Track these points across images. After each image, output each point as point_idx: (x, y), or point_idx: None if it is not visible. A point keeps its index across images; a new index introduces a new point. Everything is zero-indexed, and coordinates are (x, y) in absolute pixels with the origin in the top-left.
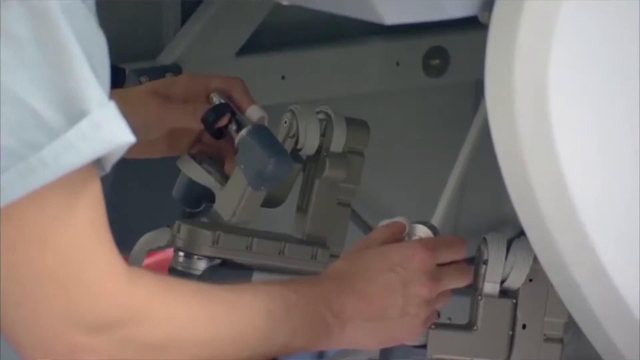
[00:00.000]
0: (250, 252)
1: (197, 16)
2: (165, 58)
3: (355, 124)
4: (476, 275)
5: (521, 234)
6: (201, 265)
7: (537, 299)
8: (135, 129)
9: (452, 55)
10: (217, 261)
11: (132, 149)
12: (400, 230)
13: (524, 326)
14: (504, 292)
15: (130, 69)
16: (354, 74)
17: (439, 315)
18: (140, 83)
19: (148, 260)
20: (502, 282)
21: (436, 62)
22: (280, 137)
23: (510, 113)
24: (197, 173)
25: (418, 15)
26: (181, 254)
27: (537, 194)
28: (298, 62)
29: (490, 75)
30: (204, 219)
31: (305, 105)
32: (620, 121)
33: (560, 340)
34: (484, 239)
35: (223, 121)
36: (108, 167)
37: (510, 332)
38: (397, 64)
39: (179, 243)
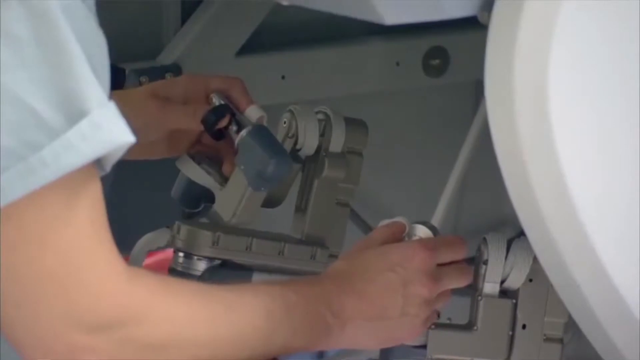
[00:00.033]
0: (249, 253)
1: (197, 16)
2: (165, 58)
3: (354, 124)
4: (476, 275)
5: (521, 234)
6: (201, 265)
7: (537, 299)
8: (135, 131)
9: (452, 55)
10: (217, 262)
11: (131, 150)
12: (400, 230)
13: (524, 326)
14: (504, 292)
15: (130, 69)
16: (354, 74)
17: (438, 315)
18: (140, 83)
19: (148, 261)
20: (502, 282)
21: (436, 62)
22: (279, 137)
23: (510, 113)
24: (197, 173)
25: (418, 15)
26: (181, 254)
27: (537, 194)
28: (298, 62)
29: (490, 75)
30: (204, 220)
31: (305, 105)
32: (620, 121)
33: (560, 340)
34: (484, 239)
35: (223, 122)
36: (108, 167)
37: (510, 332)
38: (397, 64)
39: (179, 244)
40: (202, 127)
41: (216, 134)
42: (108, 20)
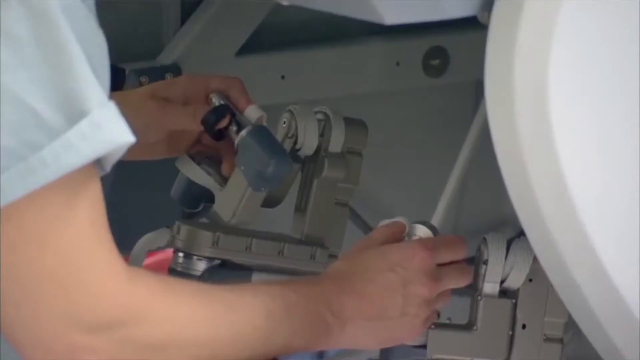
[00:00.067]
0: (249, 253)
1: (197, 16)
2: (165, 58)
3: (354, 124)
4: (476, 275)
5: (521, 234)
6: (201, 265)
7: (537, 299)
8: (135, 132)
9: (452, 55)
10: (217, 262)
11: (131, 151)
12: (400, 230)
13: (523, 326)
14: (504, 292)
15: (130, 69)
16: (354, 74)
17: (438, 315)
18: (141, 83)
19: (148, 261)
20: (502, 282)
21: (436, 62)
22: (279, 137)
23: (510, 113)
24: (196, 173)
25: (418, 15)
26: (181, 254)
27: (537, 194)
28: (298, 62)
29: (490, 75)
30: (204, 220)
31: (304, 105)
32: (620, 121)
33: (560, 340)
34: (484, 239)
35: (223, 122)
36: (108, 167)
37: (510, 332)
38: (397, 64)
39: (179, 244)
40: (202, 128)
41: (216, 134)
42: (108, 20)
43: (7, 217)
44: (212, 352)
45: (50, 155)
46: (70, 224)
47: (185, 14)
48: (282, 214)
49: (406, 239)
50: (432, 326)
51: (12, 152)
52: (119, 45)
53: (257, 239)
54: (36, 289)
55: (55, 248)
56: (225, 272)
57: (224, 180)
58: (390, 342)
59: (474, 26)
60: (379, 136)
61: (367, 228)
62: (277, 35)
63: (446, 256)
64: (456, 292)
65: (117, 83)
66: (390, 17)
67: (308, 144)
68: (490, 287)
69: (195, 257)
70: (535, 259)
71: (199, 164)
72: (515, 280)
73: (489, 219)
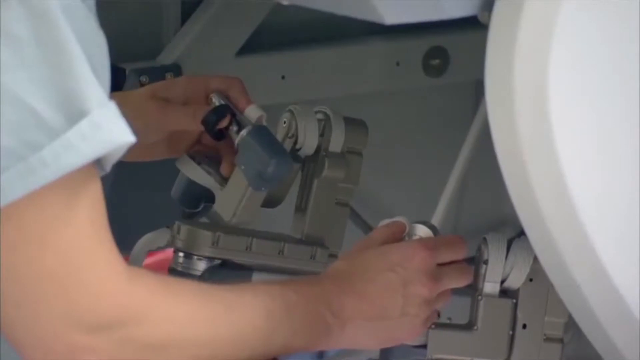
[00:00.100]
0: (249, 253)
1: (197, 16)
2: (165, 58)
3: (354, 124)
4: (476, 275)
5: (521, 234)
6: (201, 265)
7: (538, 299)
8: (135, 132)
9: (452, 55)
10: (217, 262)
11: (131, 152)
12: (401, 230)
13: (524, 326)
14: (504, 292)
15: (130, 69)
16: (354, 74)
17: (439, 315)
18: (141, 83)
19: (148, 261)
20: (502, 282)
21: (436, 62)
22: (279, 137)
23: (510, 113)
24: (197, 173)
25: (418, 15)
26: (181, 254)
27: (537, 194)
28: (298, 62)
29: (490, 75)
30: (204, 220)
31: (304, 105)
32: (620, 121)
33: (561, 340)
34: (484, 238)
35: (224, 122)
36: (108, 167)
37: (511, 332)
38: (397, 64)
39: (179, 244)
40: (202, 128)
41: (217, 134)
42: (108, 20)
43: (7, 217)
44: (212, 352)
45: (50, 155)
46: (70, 224)
47: (185, 14)
48: (282, 214)
49: (406, 238)
50: (433, 326)
51: (12, 152)
52: (119, 45)
53: (258, 239)
54: (36, 289)
55: (55, 248)
56: (225, 272)
57: (224, 180)
58: (391, 342)
59: (474, 26)
60: (379, 136)
61: (367, 228)
62: (277, 35)
63: (446, 256)
64: (456, 292)
65: (117, 83)
66: (390, 17)
67: (308, 143)
68: (490, 286)
69: (195, 257)
70: (535, 258)
71: (199, 163)
72: (516, 280)
73: (489, 219)
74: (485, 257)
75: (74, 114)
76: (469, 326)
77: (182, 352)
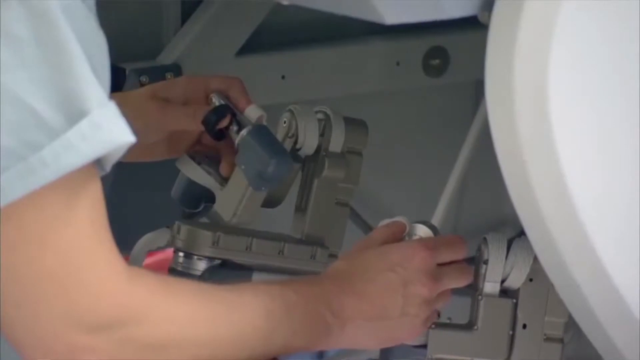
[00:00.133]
0: (249, 253)
1: (197, 16)
2: (165, 58)
3: (354, 124)
4: (476, 275)
5: (521, 233)
6: (201, 265)
7: (538, 299)
8: (135, 133)
9: (452, 55)
10: (217, 261)
11: (131, 152)
12: (401, 230)
13: (524, 326)
14: (504, 292)
15: (130, 69)
16: (354, 74)
17: (439, 315)
18: (141, 83)
19: (148, 261)
20: (503, 281)
21: (436, 62)
22: (279, 137)
23: (510, 113)
24: (197, 173)
25: (418, 15)
26: (181, 254)
27: (537, 194)
28: (298, 62)
29: (490, 75)
30: (204, 220)
31: (304, 105)
32: (620, 121)
33: (561, 340)
34: (484, 238)
35: (224, 122)
36: (108, 167)
37: (511, 332)
38: (397, 64)
39: (179, 244)
40: (202, 128)
41: (217, 134)
42: (108, 20)
43: (7, 217)
44: (212, 352)
45: (50, 155)
46: (70, 224)
47: (185, 14)
48: (282, 214)
49: (406, 238)
50: (433, 326)
51: (12, 152)
52: (119, 45)
53: (258, 239)
54: (36, 289)
55: (55, 248)
56: (225, 272)
57: (224, 180)
58: (391, 342)
59: (474, 26)
60: (379, 136)
61: (367, 228)
62: (277, 35)
63: (446, 256)
64: (456, 292)
65: (117, 83)
66: (390, 17)
67: (308, 143)
68: (490, 286)
69: (195, 257)
70: (535, 258)
71: (199, 164)
72: (516, 280)
73: (489, 219)
74: (485, 257)
75: (74, 114)
76: (469, 326)
77: (182, 352)
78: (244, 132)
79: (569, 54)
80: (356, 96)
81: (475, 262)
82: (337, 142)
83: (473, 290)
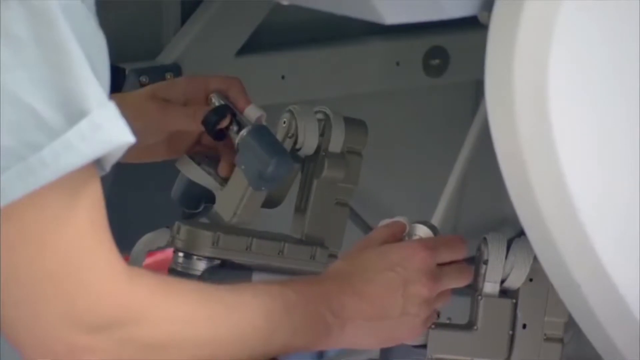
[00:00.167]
0: (249, 253)
1: (197, 16)
2: (165, 58)
3: (354, 124)
4: (476, 275)
5: (521, 233)
6: (201, 265)
7: (537, 299)
8: (134, 133)
9: (452, 55)
10: (217, 262)
11: (131, 153)
12: (401, 230)
13: (524, 326)
14: (504, 292)
15: (130, 69)
16: (354, 74)
17: (438, 315)
18: (141, 83)
19: (148, 261)
20: (502, 281)
21: (436, 62)
22: (279, 137)
23: (510, 113)
24: (197, 174)
25: (418, 15)
26: (181, 254)
27: (537, 194)
28: (298, 62)
29: (490, 75)
30: (204, 220)
31: (304, 105)
32: (620, 121)
33: (561, 340)
34: (484, 238)
35: (224, 123)
36: (108, 167)
37: (511, 332)
38: (397, 64)
39: (179, 244)
40: (202, 128)
41: (217, 134)
42: (108, 20)
43: (7, 217)
44: (212, 352)
45: (50, 155)
46: (70, 224)
47: (185, 14)
48: (282, 214)
49: (406, 238)
50: (433, 326)
51: (12, 152)
52: (119, 45)
53: (257, 239)
54: (36, 289)
55: (55, 248)
56: (225, 272)
57: (224, 180)
58: (391, 342)
59: (474, 26)
60: (379, 136)
61: (367, 228)
62: (277, 35)
63: (446, 256)
64: (456, 292)
65: (117, 83)
66: (390, 17)
67: (308, 143)
68: (490, 286)
69: (195, 257)
70: (535, 258)
71: (199, 164)
72: (516, 280)
73: (489, 219)
74: (485, 257)
75: (74, 114)
76: (469, 326)
77: (182, 352)
78: (243, 132)
79: (569, 54)
80: (356, 96)
81: (475, 262)
82: (336, 142)
83: (473, 290)
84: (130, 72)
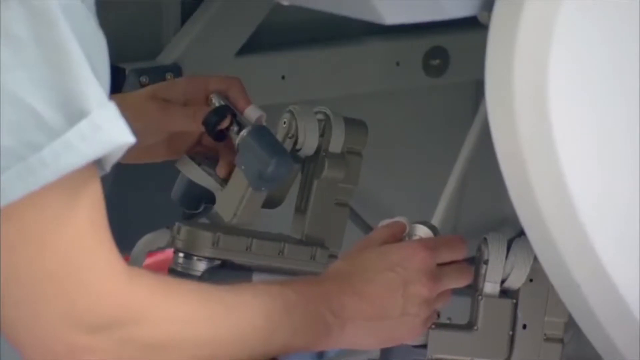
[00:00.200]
0: (249, 253)
1: (197, 16)
2: (165, 58)
3: (354, 124)
4: (476, 275)
5: (521, 233)
6: (201, 266)
7: (538, 299)
8: (134, 133)
9: (452, 55)
10: (217, 262)
11: (131, 153)
12: (401, 230)
13: (524, 326)
14: (504, 292)
15: (130, 69)
16: (354, 74)
17: (438, 315)
18: (141, 83)
19: (148, 261)
20: (503, 282)
21: (436, 62)
22: (279, 138)
23: (510, 113)
24: (197, 174)
25: (418, 15)
26: (181, 255)
27: (537, 194)
28: (298, 62)
29: (490, 75)
30: (204, 221)
31: (304, 105)
32: (620, 121)
33: (561, 340)
34: (484, 238)
35: (225, 123)
36: (108, 167)
37: (511, 332)
38: (397, 64)
39: (179, 244)
40: (202, 129)
41: (217, 135)
42: (108, 20)
43: (7, 217)
44: (212, 352)
45: (50, 155)
46: (70, 224)
47: (185, 14)
48: (282, 214)
49: (406, 238)
50: (433, 326)
51: (12, 152)
52: (119, 45)
53: (258, 240)
54: (36, 289)
55: (55, 248)
56: (225, 272)
57: (224, 180)
58: (391, 342)
59: (474, 26)
60: (379, 136)
61: (367, 228)
62: (277, 35)
63: (446, 256)
64: (456, 292)
65: (117, 83)
66: (390, 17)
67: (308, 144)
68: (490, 287)
69: (195, 258)
70: (535, 258)
71: (199, 164)
72: (516, 280)
73: (489, 219)
74: (485, 257)
75: (74, 114)
76: (469, 326)
77: (182, 352)
78: (244, 132)
79: (568, 54)
80: (356, 96)
81: (475, 262)
82: (337, 142)
83: (473, 290)
84: (130, 72)
